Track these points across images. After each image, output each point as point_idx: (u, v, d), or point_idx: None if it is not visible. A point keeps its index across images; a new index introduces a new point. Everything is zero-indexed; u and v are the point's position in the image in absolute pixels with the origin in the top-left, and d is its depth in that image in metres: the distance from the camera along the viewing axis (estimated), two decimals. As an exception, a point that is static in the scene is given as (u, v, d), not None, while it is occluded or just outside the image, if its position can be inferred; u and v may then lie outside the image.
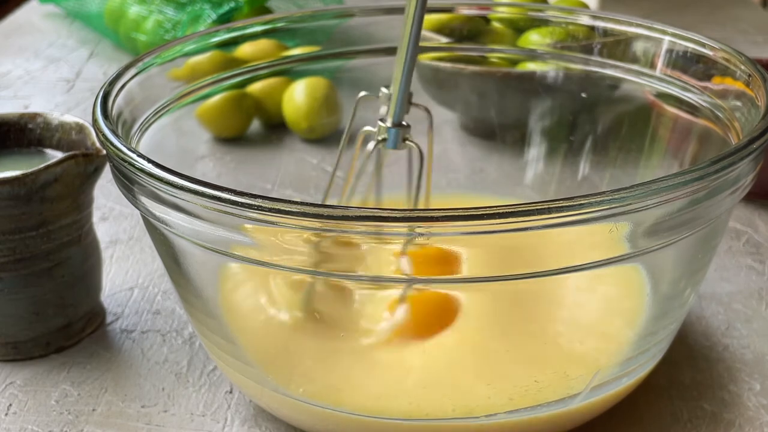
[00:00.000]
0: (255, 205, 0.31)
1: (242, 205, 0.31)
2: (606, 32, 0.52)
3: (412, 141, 0.46)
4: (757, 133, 0.35)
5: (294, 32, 0.55)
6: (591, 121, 0.57)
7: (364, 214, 0.31)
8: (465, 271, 0.32)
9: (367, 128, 0.47)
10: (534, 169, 0.59)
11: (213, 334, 0.41)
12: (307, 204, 0.31)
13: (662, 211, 0.33)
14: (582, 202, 0.31)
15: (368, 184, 0.51)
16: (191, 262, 0.39)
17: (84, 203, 0.47)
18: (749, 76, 0.42)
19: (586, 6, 0.80)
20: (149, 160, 0.34)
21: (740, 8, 1.12)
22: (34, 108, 0.80)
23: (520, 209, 0.30)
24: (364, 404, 0.38)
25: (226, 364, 0.41)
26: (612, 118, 0.55)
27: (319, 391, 0.39)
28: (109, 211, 0.62)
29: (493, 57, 0.61)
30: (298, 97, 0.65)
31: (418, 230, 0.31)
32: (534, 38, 0.56)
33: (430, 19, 0.56)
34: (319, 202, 0.33)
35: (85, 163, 0.45)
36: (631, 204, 0.31)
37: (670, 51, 0.48)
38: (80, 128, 0.48)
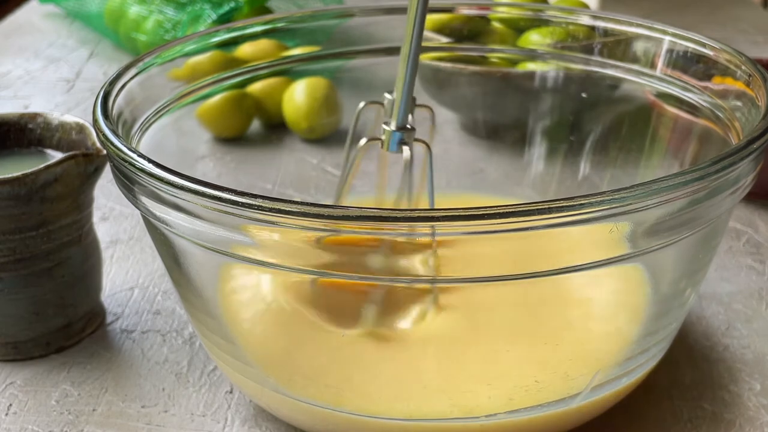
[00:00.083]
0: (255, 205, 0.31)
1: (243, 205, 0.31)
2: (606, 32, 0.52)
3: (420, 140, 0.45)
4: (758, 133, 0.35)
5: (294, 32, 0.55)
6: (591, 121, 0.57)
7: (364, 214, 0.31)
8: (465, 271, 0.32)
9: (372, 139, 0.46)
10: (534, 169, 0.59)
11: (213, 334, 0.41)
12: (307, 204, 0.31)
13: (663, 211, 0.33)
14: (582, 202, 0.31)
15: (377, 185, 0.51)
16: (191, 262, 0.39)
17: (84, 203, 0.47)
18: (749, 76, 0.42)
19: (586, 6, 0.80)
20: (150, 160, 0.34)
21: (740, 8, 1.12)
22: (34, 108, 0.80)
23: (520, 209, 0.30)
24: (364, 404, 0.38)
25: (226, 364, 0.41)
26: (612, 118, 0.55)
27: (319, 391, 0.39)
28: (110, 211, 0.62)
29: (494, 57, 0.61)
30: (298, 97, 0.65)
31: (418, 230, 0.31)
32: (534, 38, 0.56)
33: (430, 19, 0.56)
34: (319, 203, 0.33)
35: (85, 163, 0.45)
36: (631, 204, 0.31)
37: (670, 51, 0.48)
38: (80, 128, 0.48)
